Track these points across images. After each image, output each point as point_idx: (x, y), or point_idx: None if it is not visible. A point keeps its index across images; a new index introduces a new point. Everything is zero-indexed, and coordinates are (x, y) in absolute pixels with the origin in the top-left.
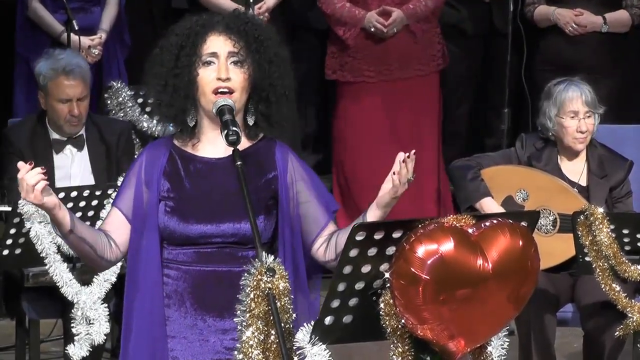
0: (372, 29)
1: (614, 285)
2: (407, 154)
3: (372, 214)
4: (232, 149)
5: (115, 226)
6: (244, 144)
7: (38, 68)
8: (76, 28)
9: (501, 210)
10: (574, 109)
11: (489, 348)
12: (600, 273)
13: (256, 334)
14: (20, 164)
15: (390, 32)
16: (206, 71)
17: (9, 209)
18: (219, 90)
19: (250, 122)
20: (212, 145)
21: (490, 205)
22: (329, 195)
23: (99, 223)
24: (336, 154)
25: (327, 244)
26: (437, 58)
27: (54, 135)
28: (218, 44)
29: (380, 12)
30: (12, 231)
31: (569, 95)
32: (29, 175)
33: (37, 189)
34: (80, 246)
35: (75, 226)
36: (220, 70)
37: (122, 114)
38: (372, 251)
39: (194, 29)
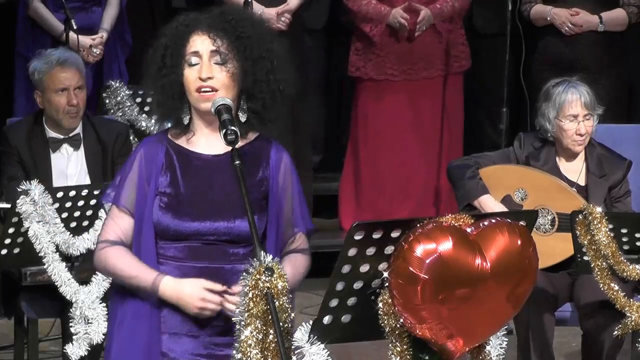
0: (397, 25)
1: (612, 284)
2: None
3: None
4: (231, 148)
5: (131, 233)
6: (239, 142)
7: (32, 67)
8: (74, 27)
9: (500, 207)
10: (573, 113)
11: (488, 347)
12: (598, 272)
13: (255, 333)
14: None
15: (419, 31)
16: (191, 71)
17: (9, 205)
18: (202, 90)
19: (242, 119)
20: (207, 141)
21: (488, 202)
22: (306, 212)
23: (97, 222)
24: (353, 151)
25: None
26: (461, 59)
27: (51, 134)
28: (200, 44)
29: (406, 8)
30: (11, 231)
31: (567, 98)
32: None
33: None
34: None
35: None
36: (202, 69)
37: (120, 114)
38: (370, 250)
39: (179, 29)
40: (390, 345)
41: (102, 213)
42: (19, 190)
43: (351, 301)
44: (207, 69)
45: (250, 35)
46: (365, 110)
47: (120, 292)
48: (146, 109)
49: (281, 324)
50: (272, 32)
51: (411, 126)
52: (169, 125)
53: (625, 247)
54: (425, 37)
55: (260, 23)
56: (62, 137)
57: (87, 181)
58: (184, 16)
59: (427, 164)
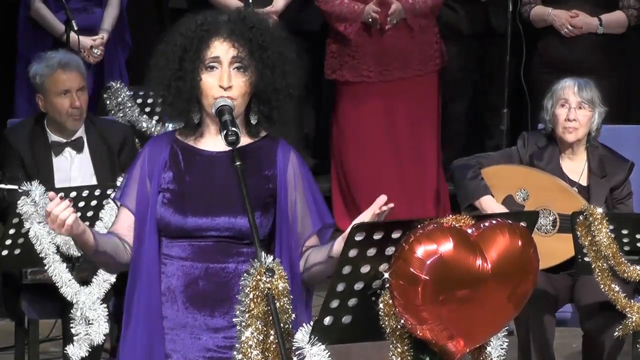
0: (370, 20)
1: (613, 285)
2: (391, 205)
3: (340, 246)
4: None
5: (127, 227)
6: (245, 140)
7: (33, 71)
8: (75, 28)
9: (501, 208)
10: (565, 97)
11: (488, 348)
12: (599, 273)
13: (255, 334)
14: (51, 195)
15: (390, 24)
16: (209, 76)
17: (15, 187)
18: (221, 98)
19: (253, 121)
20: (214, 139)
21: (490, 203)
22: (324, 207)
23: (98, 223)
24: (336, 154)
25: (304, 256)
26: (436, 58)
27: (53, 138)
28: (222, 50)
29: (378, 3)
30: (11, 231)
31: (561, 85)
32: (59, 209)
33: (68, 223)
34: (102, 259)
35: (98, 244)
36: (222, 77)
37: (121, 114)
38: (371, 251)
39: (198, 33)
40: (390, 346)
41: (103, 214)
42: (19, 191)
43: (352, 302)
44: (227, 76)
45: (269, 43)
46: (343, 113)
47: (128, 293)
48: (147, 109)
49: (282, 324)
50: (283, 36)
51: (389, 126)
52: (172, 126)
53: (626, 248)
54: (399, 38)
55: (274, 28)
56: (64, 140)
57: (93, 183)
58: (202, 17)
59: (408, 164)
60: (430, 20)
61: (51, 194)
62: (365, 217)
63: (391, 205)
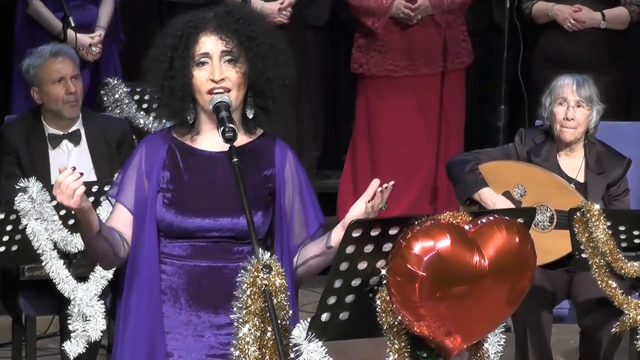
0: (400, 15)
1: (610, 282)
2: (385, 185)
3: (339, 235)
4: (229, 145)
5: (123, 223)
6: (244, 139)
7: (25, 65)
8: (72, 25)
9: (501, 198)
10: (563, 96)
11: (486, 345)
12: (596, 270)
13: (252, 330)
14: (61, 167)
15: (415, 18)
16: (201, 72)
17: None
18: (215, 91)
19: (250, 115)
20: (211, 138)
21: (488, 194)
22: (317, 207)
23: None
24: (354, 149)
25: (298, 251)
26: (462, 55)
27: (50, 131)
28: (210, 44)
29: None
30: (9, 228)
31: (560, 83)
32: (70, 179)
33: (78, 194)
34: (103, 246)
35: (102, 227)
36: (214, 71)
37: (118, 111)
38: (368, 248)
39: (186, 30)
40: (388, 342)
41: (100, 210)
42: (16, 187)
43: (349, 298)
44: (219, 70)
45: (258, 33)
46: (367, 107)
47: (125, 293)
48: (144, 106)
49: (279, 321)
50: (273, 27)
51: (412, 123)
52: (169, 124)
53: (623, 245)
54: (426, 33)
55: (263, 19)
56: (61, 133)
57: (92, 177)
58: (189, 16)
59: (428, 161)
60: (458, 17)
61: (61, 166)
62: (360, 205)
63: (391, 183)
